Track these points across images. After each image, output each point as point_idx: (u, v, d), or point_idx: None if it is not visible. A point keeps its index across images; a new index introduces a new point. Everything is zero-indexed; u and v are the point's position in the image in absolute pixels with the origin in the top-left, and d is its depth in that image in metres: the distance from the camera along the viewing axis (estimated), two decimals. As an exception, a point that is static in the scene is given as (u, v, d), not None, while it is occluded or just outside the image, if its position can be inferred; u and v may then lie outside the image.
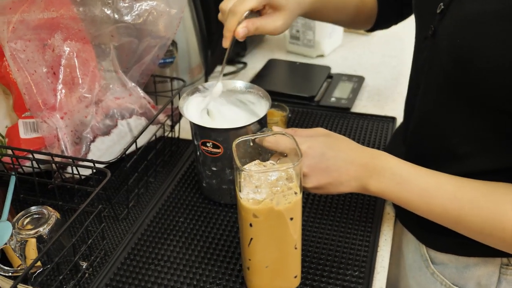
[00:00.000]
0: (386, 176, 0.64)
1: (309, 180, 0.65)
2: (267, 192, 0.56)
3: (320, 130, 0.70)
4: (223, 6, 0.74)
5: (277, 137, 0.62)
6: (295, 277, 0.64)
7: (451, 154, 0.66)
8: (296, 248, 0.61)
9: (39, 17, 0.71)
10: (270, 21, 0.74)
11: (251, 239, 0.59)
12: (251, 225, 0.57)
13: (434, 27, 0.65)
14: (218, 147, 0.73)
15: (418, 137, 0.71)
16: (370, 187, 0.65)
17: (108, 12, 0.75)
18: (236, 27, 0.71)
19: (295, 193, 0.57)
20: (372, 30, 0.96)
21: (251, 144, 0.60)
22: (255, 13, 0.75)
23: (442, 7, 0.63)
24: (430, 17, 0.66)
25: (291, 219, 0.58)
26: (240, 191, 0.57)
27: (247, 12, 0.71)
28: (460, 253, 0.70)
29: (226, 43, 0.74)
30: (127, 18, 0.76)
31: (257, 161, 0.60)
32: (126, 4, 0.76)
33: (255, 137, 0.60)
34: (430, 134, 0.68)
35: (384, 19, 0.92)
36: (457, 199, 0.61)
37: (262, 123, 0.74)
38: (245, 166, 0.59)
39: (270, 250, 0.60)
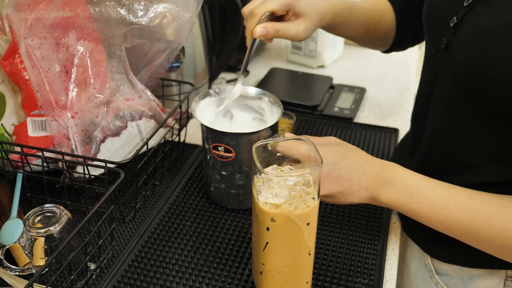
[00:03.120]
0: (397, 187, 0.65)
1: (320, 188, 0.66)
2: (285, 196, 0.56)
3: (332, 139, 0.71)
4: (244, 10, 0.75)
5: (293, 143, 0.62)
6: (307, 283, 0.64)
7: (462, 165, 0.67)
8: (309, 254, 0.61)
9: (55, 15, 0.71)
10: (292, 25, 0.75)
11: (267, 243, 0.59)
12: (268, 229, 0.58)
13: (447, 40, 0.66)
14: (230, 152, 0.73)
15: (429, 149, 0.72)
16: (381, 198, 0.66)
17: (124, 13, 0.75)
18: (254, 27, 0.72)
19: (313, 198, 0.57)
20: (388, 51, 0.96)
21: (269, 148, 0.61)
22: (278, 18, 0.77)
23: (456, 20, 0.64)
24: (443, 31, 0.67)
25: (308, 224, 0.58)
26: (258, 194, 0.57)
27: (267, 14, 0.72)
28: (465, 264, 0.71)
29: (247, 43, 0.75)
30: (142, 20, 0.76)
31: (274, 166, 0.60)
32: (142, 6, 0.76)
33: (274, 141, 0.60)
34: (441, 146, 0.69)
35: (401, 39, 0.92)
36: (468, 211, 0.61)
37: (274, 129, 0.74)
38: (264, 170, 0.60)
39: (285, 255, 0.60)
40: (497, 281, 0.69)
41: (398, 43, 0.93)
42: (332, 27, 0.84)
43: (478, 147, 0.64)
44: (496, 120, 0.61)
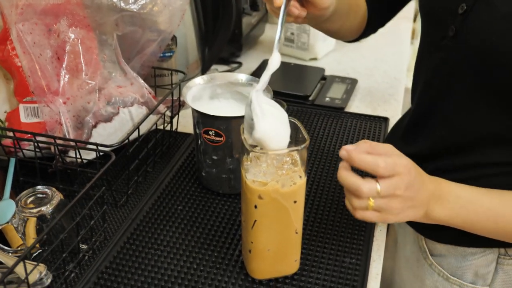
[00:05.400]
0: (451, 201, 0.63)
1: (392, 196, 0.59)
2: (273, 174, 0.58)
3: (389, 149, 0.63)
4: None
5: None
6: (295, 261, 0.65)
7: (468, 149, 0.67)
8: (297, 233, 0.62)
9: (46, 1, 0.72)
10: None
11: (255, 221, 0.60)
12: (256, 207, 0.59)
13: (455, 28, 0.65)
14: (220, 136, 0.74)
15: (434, 135, 0.72)
16: (433, 214, 0.63)
17: (115, 0, 0.76)
18: None
19: (300, 176, 0.58)
20: (359, 38, 0.95)
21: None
22: None
23: (465, 7, 0.63)
24: (450, 17, 0.66)
25: (295, 202, 0.59)
26: (246, 173, 0.58)
27: None
28: (459, 243, 0.72)
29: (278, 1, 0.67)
30: (133, 6, 0.77)
31: None
32: (133, -7, 0.77)
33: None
34: (447, 132, 0.69)
35: (373, 22, 0.91)
36: None
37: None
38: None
39: (273, 233, 0.61)
40: (490, 258, 0.70)
41: (370, 26, 0.91)
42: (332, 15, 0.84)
43: (487, 133, 0.64)
44: (509, 105, 0.61)
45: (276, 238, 0.62)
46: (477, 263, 0.71)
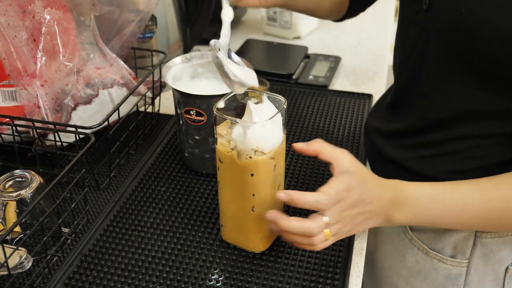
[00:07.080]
0: (410, 204, 0.63)
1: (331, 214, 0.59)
2: (234, 142, 0.59)
3: (345, 160, 0.63)
4: None
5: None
6: (261, 238, 0.65)
7: (443, 123, 0.66)
8: (253, 210, 0.62)
9: (19, -19, 0.70)
10: None
11: (219, 182, 0.64)
12: (218, 168, 0.62)
13: (428, 0, 0.64)
14: (201, 115, 0.73)
15: (411, 111, 0.71)
16: (394, 219, 0.63)
17: (90, -21, 0.74)
18: None
19: (255, 153, 0.59)
20: (341, 19, 0.94)
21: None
22: None
23: None
24: None
25: (252, 175, 0.59)
26: (217, 136, 0.61)
27: None
28: None
29: None
30: (109, -14, 0.76)
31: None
32: (109, -29, 0.75)
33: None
34: (424, 108, 0.68)
35: (355, 5, 0.92)
36: (486, 202, 0.61)
37: (245, 92, 0.75)
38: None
39: (231, 199, 0.64)
40: (468, 232, 0.70)
41: (352, 9, 0.92)
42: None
43: (464, 107, 0.64)
44: (483, 78, 0.60)
45: (233, 206, 0.64)
46: (456, 237, 0.71)
